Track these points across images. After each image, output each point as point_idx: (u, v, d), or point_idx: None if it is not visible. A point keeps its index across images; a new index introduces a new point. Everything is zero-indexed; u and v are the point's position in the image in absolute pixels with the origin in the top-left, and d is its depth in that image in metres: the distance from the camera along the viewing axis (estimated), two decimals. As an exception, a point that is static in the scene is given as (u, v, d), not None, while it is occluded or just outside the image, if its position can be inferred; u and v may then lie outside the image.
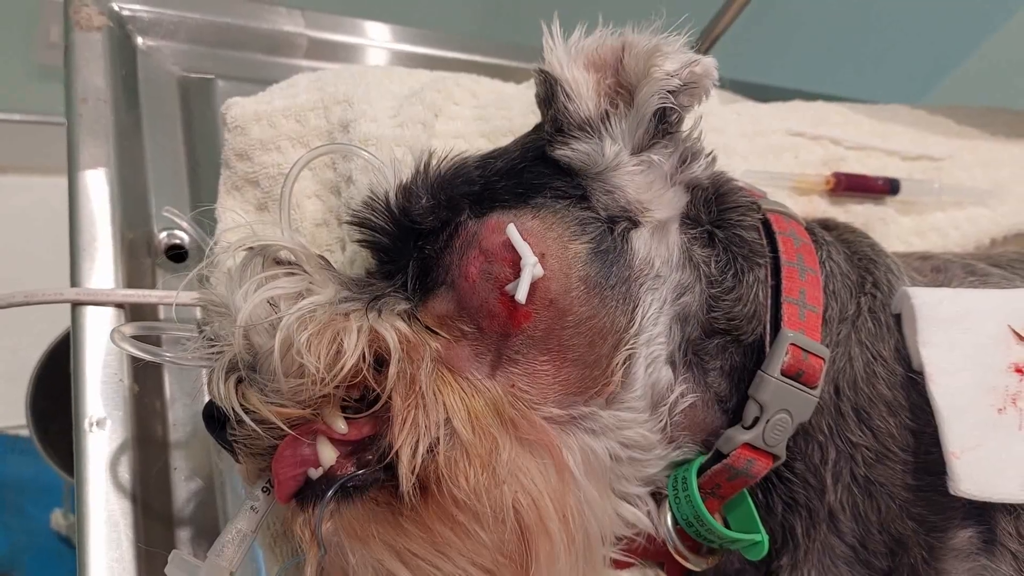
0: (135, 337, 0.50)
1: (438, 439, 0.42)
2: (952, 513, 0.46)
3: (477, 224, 0.46)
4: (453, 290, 0.45)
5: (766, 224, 0.52)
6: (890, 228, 0.77)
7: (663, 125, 0.48)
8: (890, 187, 0.76)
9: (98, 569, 0.47)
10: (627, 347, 0.46)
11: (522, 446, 0.44)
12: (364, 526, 0.43)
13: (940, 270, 0.57)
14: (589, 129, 0.48)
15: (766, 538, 0.47)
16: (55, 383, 1.29)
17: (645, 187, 0.48)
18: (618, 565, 0.51)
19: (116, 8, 0.71)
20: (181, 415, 0.58)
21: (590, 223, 0.46)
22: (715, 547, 0.51)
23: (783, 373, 0.46)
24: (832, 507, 0.48)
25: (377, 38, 0.85)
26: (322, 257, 0.50)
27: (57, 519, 1.45)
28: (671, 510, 0.50)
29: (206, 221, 0.62)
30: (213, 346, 0.45)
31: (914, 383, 0.48)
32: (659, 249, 0.48)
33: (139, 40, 0.73)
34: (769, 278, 0.50)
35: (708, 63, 0.47)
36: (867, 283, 0.52)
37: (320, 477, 0.44)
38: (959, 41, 1.65)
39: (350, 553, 0.44)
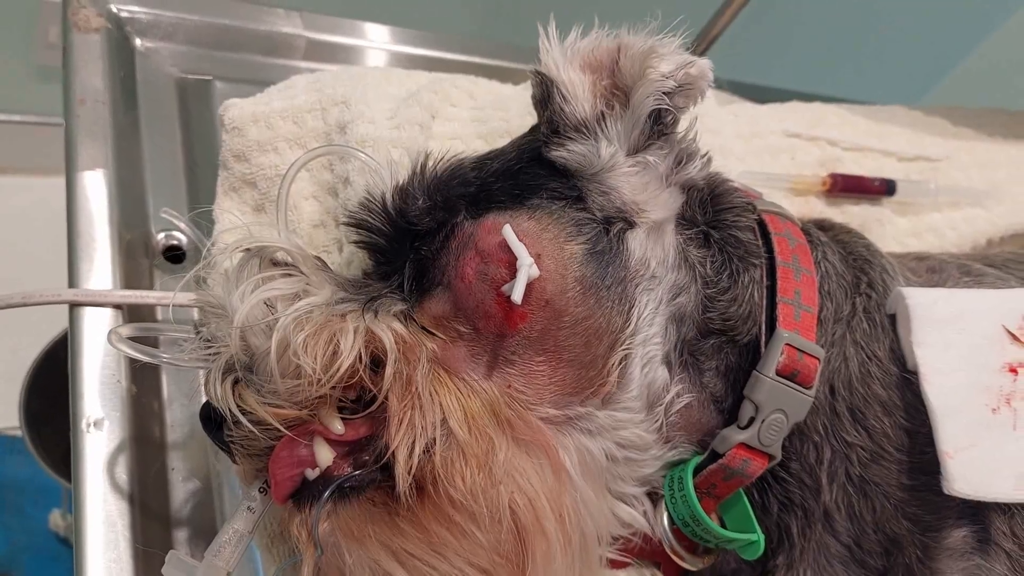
0: (133, 338, 0.50)
1: (434, 440, 0.42)
2: (947, 512, 0.47)
3: (473, 225, 0.46)
4: (449, 291, 0.46)
5: (762, 225, 0.53)
6: (886, 229, 0.77)
7: (659, 126, 0.48)
8: (886, 188, 0.76)
9: (95, 569, 0.48)
10: (623, 347, 0.46)
11: (518, 446, 0.44)
12: (361, 526, 0.43)
13: (935, 270, 0.57)
14: (585, 130, 0.48)
15: (762, 538, 0.47)
16: (50, 385, 1.29)
17: (641, 188, 0.48)
18: (614, 565, 0.52)
19: (114, 10, 0.72)
20: (179, 416, 0.58)
21: (586, 224, 0.46)
22: (711, 547, 0.51)
23: (778, 373, 0.46)
24: (827, 507, 0.48)
25: (375, 40, 0.85)
26: (319, 258, 0.50)
27: (56, 519, 1.46)
28: (667, 510, 0.50)
29: (204, 222, 0.62)
30: (210, 347, 0.45)
31: (909, 383, 0.48)
32: (655, 250, 0.48)
33: (137, 41, 0.73)
34: (764, 279, 0.50)
35: (703, 64, 0.47)
36: (862, 283, 0.52)
37: (317, 478, 0.44)
38: (956, 42, 1.65)
39: (347, 553, 0.44)
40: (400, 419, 0.42)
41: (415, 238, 0.48)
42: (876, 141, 0.80)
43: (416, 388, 0.43)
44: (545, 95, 0.49)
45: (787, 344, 0.47)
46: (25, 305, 0.55)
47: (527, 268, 0.42)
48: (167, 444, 0.56)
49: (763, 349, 0.48)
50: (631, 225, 0.48)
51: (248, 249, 0.47)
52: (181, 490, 0.55)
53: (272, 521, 0.51)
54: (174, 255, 0.65)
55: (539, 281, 0.43)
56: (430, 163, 0.49)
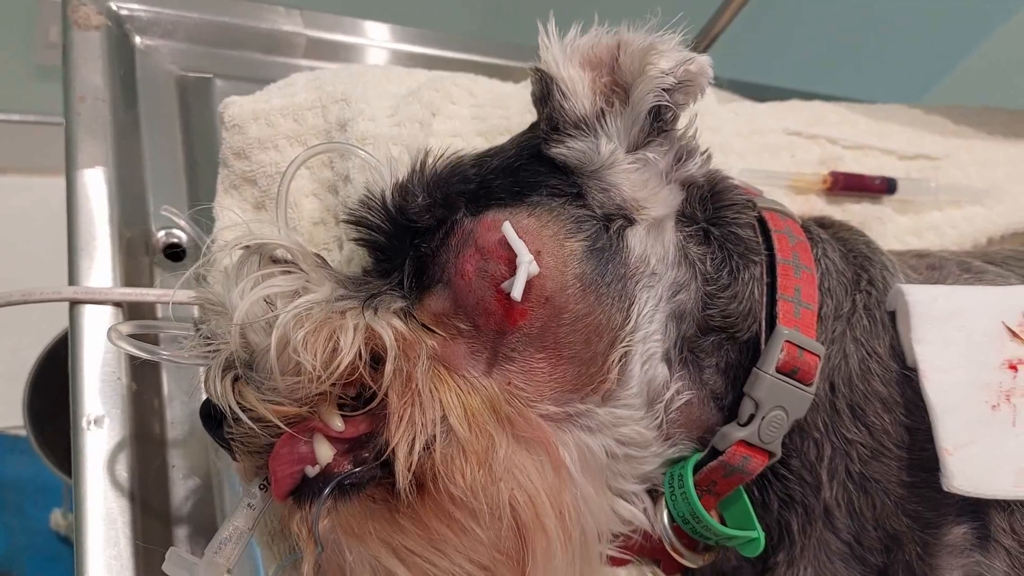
0: (133, 335, 0.50)
1: (434, 436, 0.42)
2: (946, 509, 0.47)
3: (473, 222, 0.46)
4: (449, 288, 0.46)
5: (762, 222, 0.53)
6: (887, 227, 0.77)
7: (658, 123, 0.48)
8: (887, 186, 0.76)
9: (96, 566, 0.48)
10: (623, 344, 0.46)
11: (518, 443, 0.44)
12: (361, 523, 0.43)
13: (935, 267, 0.57)
14: (585, 127, 0.48)
15: (762, 535, 0.47)
16: (52, 384, 1.29)
17: (640, 185, 0.48)
18: (615, 562, 0.52)
19: (114, 7, 0.72)
20: (179, 413, 0.58)
21: (586, 221, 0.46)
22: (711, 544, 0.51)
23: (778, 370, 0.46)
24: (828, 504, 0.48)
25: (375, 38, 0.85)
26: (319, 255, 0.50)
27: (56, 519, 1.46)
28: (667, 507, 0.50)
29: (204, 220, 0.62)
30: (210, 344, 0.45)
31: (909, 380, 0.48)
32: (655, 247, 0.48)
33: (137, 39, 0.73)
34: (764, 275, 0.50)
35: (703, 61, 0.47)
36: (862, 280, 0.52)
37: (317, 475, 0.44)
38: (957, 42, 1.65)
39: (347, 550, 0.44)
40: (400, 416, 0.42)
41: (415, 235, 0.48)
42: (876, 139, 0.80)
43: (416, 385, 0.43)
44: (545, 92, 0.49)
45: (787, 341, 0.47)
46: (25, 303, 0.55)
47: (527, 265, 0.42)
48: (167, 441, 0.56)
49: (763, 346, 0.48)
50: (631, 222, 0.48)
51: (248, 246, 0.47)
52: (181, 487, 0.55)
53: (272, 518, 0.51)
54: (174, 253, 0.65)
55: (539, 278, 0.43)
56: (430, 160, 0.49)
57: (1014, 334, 0.48)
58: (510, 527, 0.43)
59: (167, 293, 0.57)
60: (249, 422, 0.43)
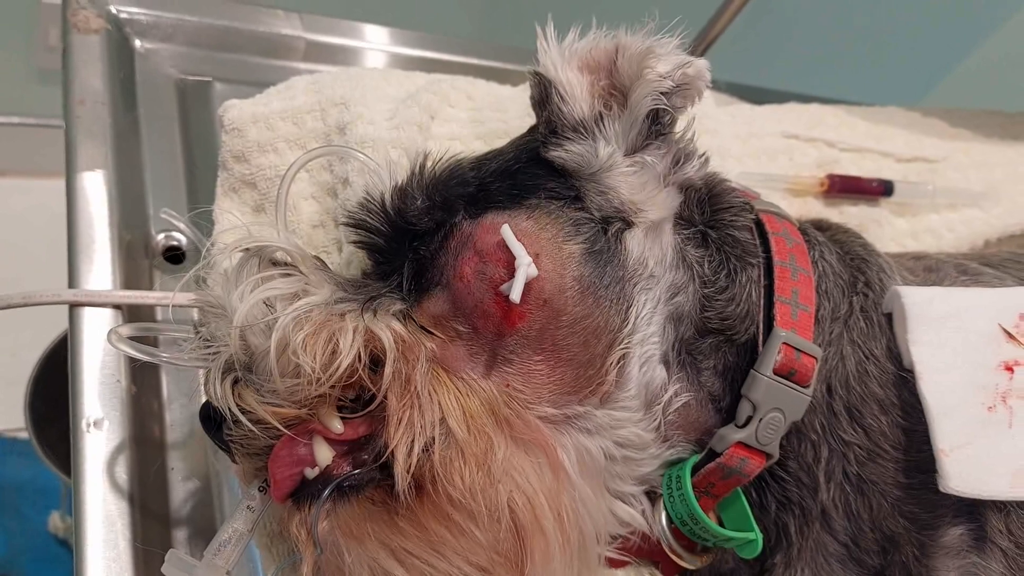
0: (132, 338, 0.50)
1: (433, 438, 0.42)
2: (943, 511, 0.47)
3: (472, 225, 0.47)
4: (448, 290, 0.46)
5: (759, 224, 0.53)
6: (884, 230, 0.77)
7: (656, 126, 0.48)
8: (884, 189, 0.76)
9: (95, 568, 0.48)
10: (621, 347, 0.46)
11: (517, 445, 0.44)
12: (360, 525, 0.43)
13: (932, 270, 0.57)
14: (583, 130, 0.48)
15: (760, 536, 0.47)
16: (52, 386, 1.29)
17: (638, 188, 0.48)
18: (613, 564, 0.52)
19: (114, 11, 0.72)
20: (178, 416, 0.58)
21: (584, 224, 0.47)
22: (709, 546, 0.51)
23: (775, 372, 0.47)
24: (825, 505, 0.48)
25: (374, 41, 0.86)
26: (318, 258, 0.50)
27: (55, 521, 1.45)
28: (666, 509, 0.50)
29: (203, 223, 0.62)
30: (210, 347, 0.46)
31: (905, 381, 0.48)
32: (653, 249, 0.48)
33: (137, 43, 0.73)
34: (762, 278, 0.50)
35: (700, 65, 0.47)
36: (859, 283, 0.52)
37: (316, 477, 0.44)
38: (954, 44, 1.65)
39: (346, 552, 0.44)
40: (399, 418, 0.42)
41: (414, 238, 0.48)
42: (874, 142, 0.81)
43: (415, 387, 0.43)
44: (543, 96, 0.50)
45: (784, 343, 0.47)
46: (25, 305, 0.55)
47: (525, 267, 0.42)
48: (167, 444, 0.57)
49: (760, 348, 0.48)
50: (629, 225, 0.48)
51: (247, 249, 0.47)
52: (181, 489, 0.55)
53: (271, 520, 0.51)
54: (174, 255, 0.65)
55: (537, 280, 0.44)
56: (429, 163, 0.49)
57: (1010, 336, 0.48)
58: (509, 529, 0.43)
59: (167, 296, 0.57)
60: (248, 424, 0.43)
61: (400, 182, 0.49)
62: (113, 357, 0.55)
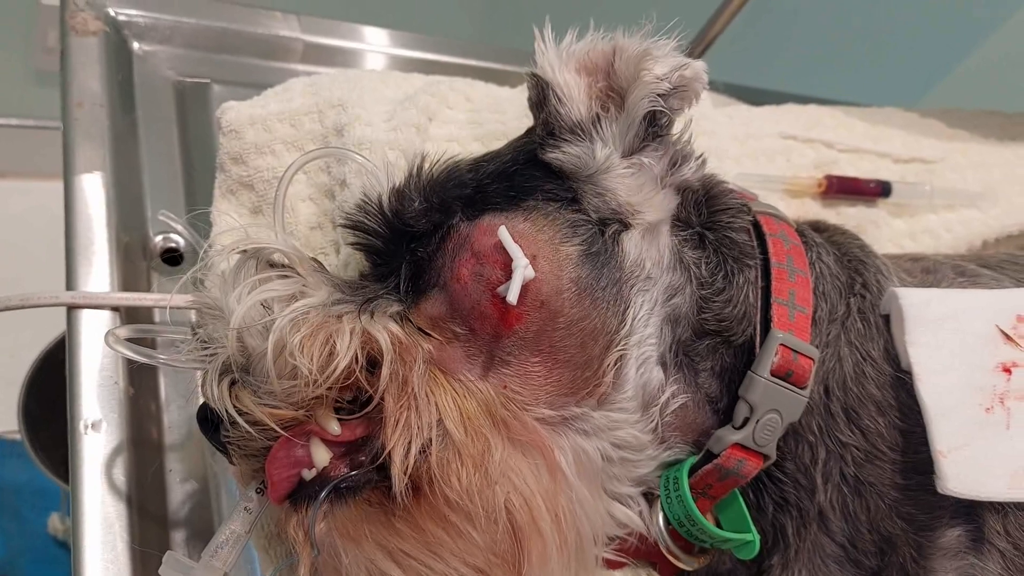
0: (130, 340, 0.50)
1: (430, 440, 0.42)
2: (941, 512, 0.47)
3: (469, 227, 0.47)
4: (445, 292, 0.46)
5: (756, 226, 0.53)
6: (882, 231, 0.77)
7: (653, 128, 0.48)
8: (882, 190, 0.76)
9: (93, 569, 0.48)
10: (618, 348, 0.46)
11: (514, 447, 0.44)
12: (357, 526, 0.43)
13: (930, 271, 0.57)
14: (580, 132, 0.48)
15: (757, 538, 0.47)
16: (48, 388, 1.29)
17: (636, 189, 0.48)
18: (610, 565, 0.52)
19: (112, 13, 0.72)
20: (176, 417, 0.58)
21: (581, 225, 0.47)
22: (707, 547, 0.51)
23: (773, 374, 0.47)
24: (822, 507, 0.48)
25: (372, 43, 0.86)
26: (316, 260, 0.50)
27: (54, 523, 1.45)
28: (663, 510, 0.50)
29: (201, 225, 0.62)
30: (207, 348, 0.46)
31: (903, 383, 0.48)
32: (650, 251, 0.48)
33: (135, 45, 0.73)
34: (759, 279, 0.50)
35: (698, 66, 0.47)
36: (856, 284, 0.52)
37: (313, 478, 0.44)
38: (952, 45, 1.65)
39: (343, 553, 0.44)
40: (396, 420, 0.42)
41: (411, 240, 0.48)
42: (872, 143, 0.81)
43: (412, 389, 0.43)
44: (541, 97, 0.50)
45: (781, 344, 0.47)
46: (23, 307, 0.55)
47: (522, 269, 0.42)
48: (165, 445, 0.57)
49: (758, 349, 0.48)
50: (626, 226, 0.48)
51: (245, 251, 0.47)
52: (178, 491, 0.55)
53: (269, 522, 0.51)
54: (171, 257, 0.65)
55: (534, 282, 0.44)
56: (426, 165, 0.49)
57: (1008, 337, 0.48)
58: (506, 530, 0.43)
59: (164, 297, 0.57)
60: (246, 426, 0.43)
61: (398, 184, 0.49)
62: (111, 359, 0.55)
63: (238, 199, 0.63)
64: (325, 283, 0.47)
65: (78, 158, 0.62)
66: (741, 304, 0.49)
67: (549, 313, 0.44)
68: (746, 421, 0.47)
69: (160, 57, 0.74)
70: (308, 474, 0.44)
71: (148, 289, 0.62)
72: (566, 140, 0.49)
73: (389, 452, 0.42)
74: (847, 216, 0.76)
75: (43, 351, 1.31)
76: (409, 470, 0.42)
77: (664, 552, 0.50)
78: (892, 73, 1.70)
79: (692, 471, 0.48)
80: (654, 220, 0.49)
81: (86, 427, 0.52)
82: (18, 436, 1.35)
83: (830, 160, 0.78)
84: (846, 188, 0.75)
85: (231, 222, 0.62)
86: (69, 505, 0.51)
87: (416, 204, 0.47)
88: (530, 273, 0.43)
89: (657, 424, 0.48)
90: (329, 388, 0.43)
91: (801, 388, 0.47)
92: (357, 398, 0.44)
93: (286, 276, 0.46)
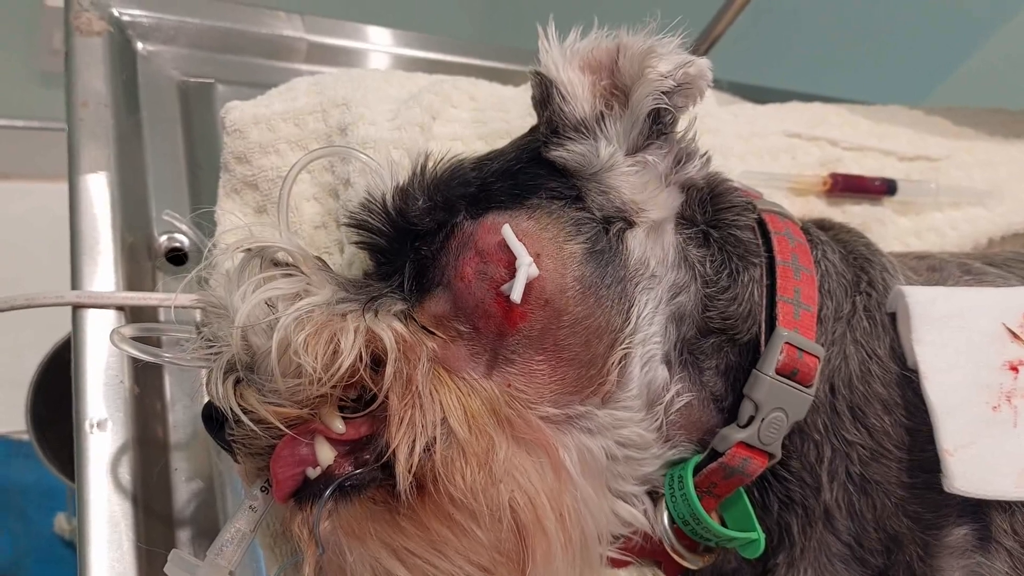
0: (135, 339, 0.50)
1: (435, 438, 0.42)
2: (947, 511, 0.47)
3: (473, 225, 0.47)
4: (449, 290, 0.46)
5: (761, 224, 0.53)
6: (888, 229, 0.77)
7: (657, 126, 0.48)
8: (887, 188, 0.76)
9: (99, 568, 0.48)
10: (623, 346, 0.46)
11: (518, 445, 0.44)
12: (361, 525, 0.43)
13: (936, 269, 0.57)
14: (584, 130, 0.48)
15: (762, 536, 0.47)
16: (54, 388, 1.30)
17: (640, 187, 0.48)
18: (615, 564, 0.52)
19: (116, 13, 0.72)
20: (181, 416, 0.58)
21: (585, 223, 0.47)
22: (712, 545, 0.51)
23: (778, 372, 0.46)
24: (828, 505, 0.48)
25: (376, 42, 0.86)
26: (320, 259, 0.50)
27: (60, 523, 1.46)
28: (668, 509, 0.50)
29: (205, 224, 0.62)
30: (212, 347, 0.46)
31: (909, 381, 0.48)
32: (654, 249, 0.48)
33: (139, 45, 0.74)
34: (764, 277, 0.50)
35: (702, 64, 0.47)
36: (862, 282, 0.52)
37: (318, 476, 0.44)
38: (958, 43, 1.65)
39: (348, 552, 0.44)
40: (400, 418, 0.42)
41: (415, 238, 0.48)
42: (877, 141, 0.80)
43: (416, 387, 0.43)
44: (545, 95, 0.50)
45: (787, 343, 0.47)
46: (28, 307, 0.55)
47: (526, 267, 0.42)
48: (170, 444, 0.57)
49: (763, 348, 0.48)
50: (630, 224, 0.48)
51: (249, 249, 0.47)
52: (184, 490, 0.55)
53: (274, 520, 0.51)
54: (176, 257, 0.65)
55: (538, 280, 0.44)
56: (430, 164, 0.49)
57: (1014, 335, 0.48)
58: (510, 529, 0.43)
59: (169, 297, 0.57)
60: (250, 424, 0.43)
61: (402, 182, 0.49)
62: (116, 358, 0.55)
63: (242, 198, 0.64)
64: (329, 282, 0.47)
65: (83, 158, 0.63)
66: (746, 302, 0.49)
67: (553, 311, 0.44)
68: (751, 419, 0.47)
69: (164, 57, 0.74)
70: (313, 472, 0.44)
71: (153, 288, 0.62)
72: (570, 138, 0.48)
73: (393, 450, 0.42)
74: (852, 214, 0.76)
75: (50, 351, 1.32)
76: (413, 468, 0.42)
77: (669, 551, 0.50)
78: (896, 71, 1.70)
79: (697, 469, 0.48)
80: (658, 218, 0.49)
81: (91, 426, 0.52)
82: (24, 436, 1.35)
83: (835, 158, 0.78)
84: (851, 186, 0.75)
85: (235, 221, 0.62)
86: (75, 505, 0.51)
87: (420, 203, 0.47)
88: (534, 271, 0.43)
89: (662, 422, 0.48)
90: (333, 386, 0.43)
91: (806, 386, 0.47)
92: (361, 396, 0.44)
93: (290, 275, 0.46)
